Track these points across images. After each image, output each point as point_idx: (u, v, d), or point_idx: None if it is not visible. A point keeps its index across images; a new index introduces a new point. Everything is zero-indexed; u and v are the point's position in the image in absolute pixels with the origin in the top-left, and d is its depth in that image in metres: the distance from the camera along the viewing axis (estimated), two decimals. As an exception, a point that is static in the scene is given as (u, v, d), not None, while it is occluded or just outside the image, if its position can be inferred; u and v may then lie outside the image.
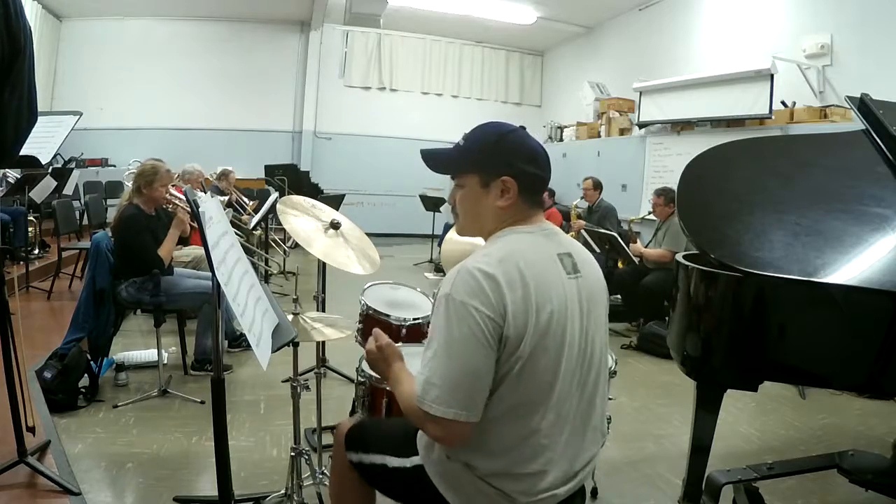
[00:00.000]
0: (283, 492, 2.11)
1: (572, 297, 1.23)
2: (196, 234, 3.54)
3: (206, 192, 3.16)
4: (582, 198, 6.02)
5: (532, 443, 1.19)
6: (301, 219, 2.23)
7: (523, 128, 1.33)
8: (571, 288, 1.24)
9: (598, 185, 5.98)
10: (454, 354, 1.14)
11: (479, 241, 1.36)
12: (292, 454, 2.04)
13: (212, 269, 1.27)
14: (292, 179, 7.33)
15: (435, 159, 1.36)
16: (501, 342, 1.15)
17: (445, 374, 1.13)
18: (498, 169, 1.26)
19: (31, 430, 2.22)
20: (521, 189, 1.26)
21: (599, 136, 8.33)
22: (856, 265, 1.75)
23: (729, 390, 1.95)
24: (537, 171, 1.28)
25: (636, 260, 4.77)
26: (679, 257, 2.13)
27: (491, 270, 1.15)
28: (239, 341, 3.79)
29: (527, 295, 1.16)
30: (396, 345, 1.40)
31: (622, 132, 7.89)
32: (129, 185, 3.44)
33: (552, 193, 6.96)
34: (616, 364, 2.13)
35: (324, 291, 3.21)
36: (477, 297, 1.13)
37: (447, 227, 6.38)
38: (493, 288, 1.14)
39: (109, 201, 6.81)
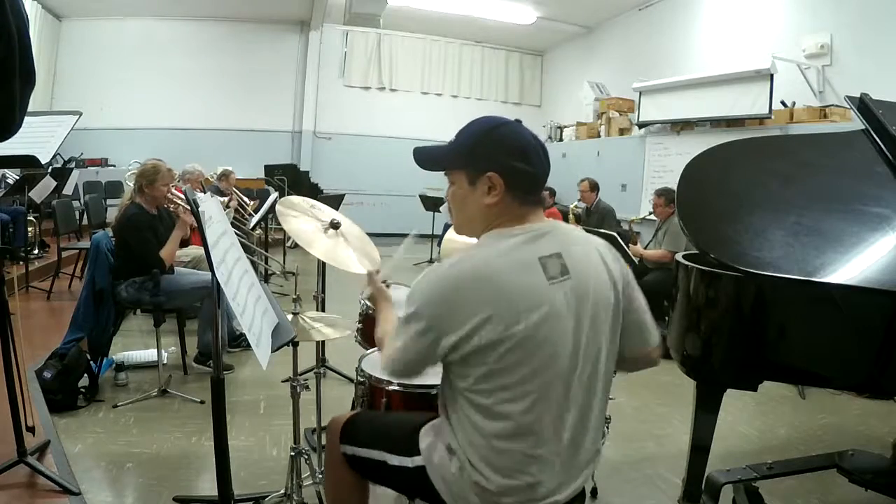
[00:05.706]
0: (282, 492, 2.11)
1: (557, 304, 1.15)
2: (196, 234, 3.54)
3: (205, 193, 3.16)
4: (579, 200, 5.95)
5: (526, 458, 1.17)
6: (300, 219, 2.23)
7: (519, 121, 1.27)
8: (555, 294, 1.15)
9: (594, 186, 5.85)
10: (408, 349, 1.22)
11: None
12: (292, 454, 2.04)
13: (211, 269, 1.27)
14: (292, 179, 7.34)
15: (425, 156, 1.34)
16: (457, 352, 1.16)
17: (400, 358, 1.25)
18: (483, 164, 1.21)
19: (31, 429, 2.22)
20: (509, 186, 1.20)
21: (599, 136, 8.33)
22: (855, 265, 1.75)
23: (729, 390, 1.95)
24: (527, 167, 1.21)
25: (636, 260, 4.77)
26: (679, 257, 2.13)
27: (457, 282, 1.15)
28: (239, 341, 3.78)
29: (497, 308, 1.12)
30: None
31: (622, 132, 7.89)
32: (130, 184, 3.45)
33: (553, 193, 6.94)
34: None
35: (324, 291, 3.21)
36: (438, 308, 1.16)
37: (447, 227, 6.36)
38: (456, 302, 1.14)
39: (109, 201, 6.81)
